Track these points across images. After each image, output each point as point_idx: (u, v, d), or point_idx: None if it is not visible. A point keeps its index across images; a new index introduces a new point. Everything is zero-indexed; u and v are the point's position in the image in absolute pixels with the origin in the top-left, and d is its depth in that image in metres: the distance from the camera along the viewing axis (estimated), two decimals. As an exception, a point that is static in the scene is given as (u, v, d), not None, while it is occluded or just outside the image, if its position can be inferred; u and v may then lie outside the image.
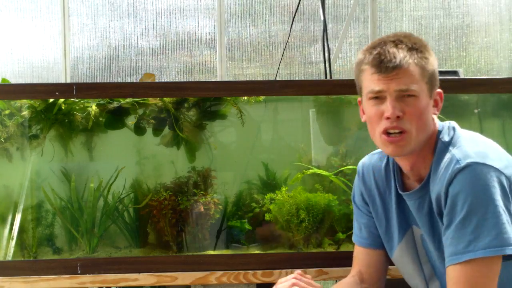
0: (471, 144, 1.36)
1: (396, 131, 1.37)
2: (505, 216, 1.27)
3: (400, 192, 1.50)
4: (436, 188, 1.37)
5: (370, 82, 1.39)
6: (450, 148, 1.38)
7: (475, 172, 1.29)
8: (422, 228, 1.47)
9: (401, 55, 1.35)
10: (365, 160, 1.66)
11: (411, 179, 1.48)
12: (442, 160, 1.37)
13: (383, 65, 1.36)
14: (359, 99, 1.49)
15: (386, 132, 1.38)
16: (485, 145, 1.39)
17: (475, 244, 1.27)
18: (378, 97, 1.38)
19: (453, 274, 1.30)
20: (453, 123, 1.47)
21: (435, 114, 1.43)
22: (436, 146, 1.41)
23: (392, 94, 1.36)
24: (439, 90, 1.43)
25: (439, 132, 1.43)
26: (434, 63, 1.41)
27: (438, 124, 1.46)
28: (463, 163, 1.31)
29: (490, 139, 1.45)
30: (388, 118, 1.36)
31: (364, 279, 1.61)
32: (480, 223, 1.27)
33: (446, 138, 1.41)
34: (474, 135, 1.43)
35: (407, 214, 1.51)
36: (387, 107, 1.36)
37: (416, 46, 1.38)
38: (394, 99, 1.36)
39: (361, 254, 1.64)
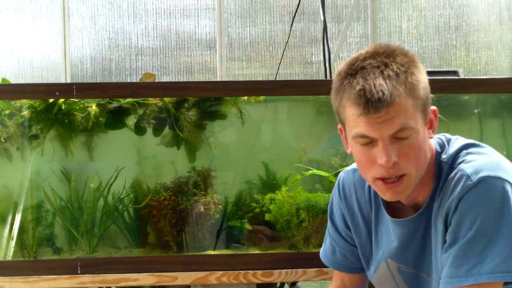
0: (479, 156, 1.21)
1: (394, 178, 1.18)
2: None
3: (391, 218, 1.32)
4: (444, 208, 1.22)
5: (355, 123, 1.16)
6: (455, 165, 1.22)
7: (489, 188, 1.14)
8: (405, 259, 1.32)
9: (389, 87, 1.12)
10: (345, 176, 1.45)
11: (405, 206, 1.32)
12: (448, 179, 1.22)
13: (370, 105, 1.12)
14: (339, 126, 1.28)
15: (381, 178, 1.19)
16: (494, 153, 1.24)
17: (480, 268, 1.13)
18: (367, 141, 1.18)
19: None
20: (447, 136, 1.31)
21: (430, 138, 1.24)
22: (439, 169, 1.25)
23: (385, 139, 1.15)
24: (432, 107, 1.23)
25: (438, 153, 1.27)
26: (425, 81, 1.19)
27: (433, 143, 1.29)
28: (475, 178, 1.16)
29: (490, 139, 1.39)
30: (382, 165, 1.16)
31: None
32: (488, 244, 1.13)
33: (447, 158, 1.25)
34: (479, 144, 1.27)
35: (383, 245, 1.36)
36: (380, 154, 1.16)
37: (404, 68, 1.15)
38: (387, 143, 1.15)
39: (337, 273, 1.50)
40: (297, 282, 2.39)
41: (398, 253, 1.33)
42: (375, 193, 1.34)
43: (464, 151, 1.24)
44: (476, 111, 2.13)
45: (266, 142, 2.24)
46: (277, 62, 3.53)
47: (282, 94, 1.96)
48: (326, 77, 2.59)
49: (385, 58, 1.17)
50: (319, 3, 2.66)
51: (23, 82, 3.66)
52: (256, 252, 2.00)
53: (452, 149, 1.26)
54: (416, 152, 1.17)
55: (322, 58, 2.68)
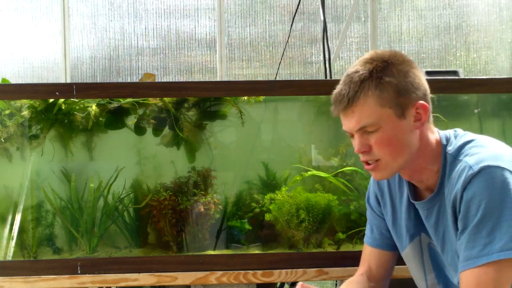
0: (482, 149, 1.34)
1: (370, 162, 1.40)
2: None
3: (412, 200, 1.50)
4: (452, 197, 1.36)
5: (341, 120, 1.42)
6: (460, 157, 1.36)
7: (490, 175, 1.27)
8: (432, 237, 1.47)
9: (351, 92, 1.35)
10: None
11: (422, 189, 1.49)
12: (454, 170, 1.36)
13: (338, 106, 1.38)
14: None
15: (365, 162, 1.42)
16: (497, 146, 1.37)
17: (490, 248, 1.25)
18: (350, 135, 1.42)
19: (465, 278, 1.28)
20: (458, 131, 1.45)
21: (418, 128, 1.39)
22: (445, 158, 1.40)
23: (355, 133, 1.39)
24: (421, 102, 1.37)
25: (444, 145, 1.42)
26: (401, 83, 1.35)
27: (440, 134, 1.44)
28: (476, 168, 1.29)
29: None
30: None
31: (373, 277, 1.62)
32: (495, 226, 1.25)
33: (453, 149, 1.40)
34: (484, 139, 1.40)
35: (416, 222, 1.52)
36: (354, 144, 1.40)
37: (373, 73, 1.35)
38: (358, 135, 1.38)
39: (371, 254, 1.65)
40: (297, 282, 2.39)
41: (427, 229, 1.49)
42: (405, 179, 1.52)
43: (469, 145, 1.38)
44: (476, 111, 2.13)
45: (266, 142, 2.24)
46: (277, 62, 3.53)
47: (282, 94, 1.96)
48: (326, 77, 2.59)
49: (360, 66, 1.38)
50: (319, 3, 2.66)
51: (23, 82, 3.66)
52: (256, 252, 2.01)
53: (458, 142, 1.40)
54: (385, 142, 1.36)
55: (322, 58, 2.68)
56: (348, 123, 1.39)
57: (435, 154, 1.42)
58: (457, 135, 1.44)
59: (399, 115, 1.36)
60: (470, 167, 1.30)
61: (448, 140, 1.43)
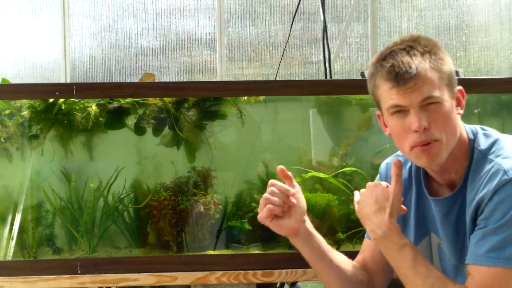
0: None
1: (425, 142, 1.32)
2: None
3: (429, 197, 1.46)
4: (479, 196, 1.32)
5: (388, 97, 1.33)
6: (491, 157, 1.34)
7: None
8: (444, 236, 1.44)
9: (416, 62, 1.30)
10: (389, 161, 1.61)
11: (442, 185, 1.44)
12: (483, 169, 1.33)
13: (399, 77, 1.30)
14: (378, 112, 1.45)
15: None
16: None
17: (498, 253, 1.25)
18: (401, 110, 1.33)
19: (472, 272, 1.29)
20: (485, 128, 1.43)
21: (459, 114, 1.37)
22: (472, 153, 1.37)
23: (415, 106, 1.31)
24: (459, 87, 1.38)
25: (471, 140, 1.39)
26: (449, 62, 1.36)
27: (465, 127, 1.42)
28: (511, 175, 1.26)
29: None
30: (415, 131, 1.31)
31: (367, 267, 1.58)
32: None
33: (482, 146, 1.37)
34: (509, 139, 1.38)
35: (427, 221, 1.49)
36: (412, 120, 1.31)
37: (428, 49, 1.33)
38: (418, 110, 1.30)
39: (369, 247, 1.60)
40: (297, 282, 2.39)
41: (439, 229, 1.45)
42: (417, 173, 1.49)
43: (500, 145, 1.35)
44: (476, 111, 2.13)
45: (266, 142, 2.24)
46: (277, 62, 3.53)
47: (282, 94, 1.96)
48: (326, 77, 2.59)
49: (410, 43, 1.34)
50: (319, 3, 2.66)
51: (23, 82, 3.66)
52: (256, 252, 2.01)
53: (488, 140, 1.38)
54: (444, 119, 1.31)
55: (322, 58, 2.68)
56: (409, 96, 1.30)
57: (465, 147, 1.39)
58: (486, 132, 1.41)
59: (451, 96, 1.34)
60: (505, 172, 1.27)
61: (475, 135, 1.40)
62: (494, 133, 1.40)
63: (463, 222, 1.38)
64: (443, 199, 1.42)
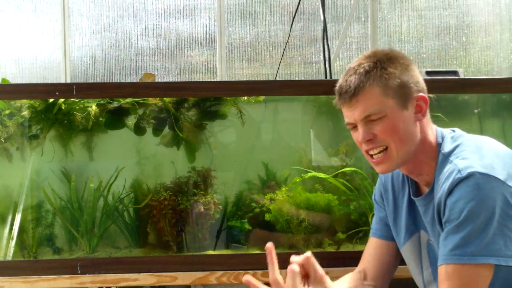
0: (474, 154, 1.35)
1: (376, 151, 1.41)
2: (499, 228, 1.27)
3: (412, 197, 1.52)
4: (438, 197, 1.38)
5: (344, 114, 1.44)
6: (451, 158, 1.38)
7: (477, 182, 1.29)
8: (431, 233, 1.48)
9: (356, 82, 1.38)
10: None
11: (422, 185, 1.50)
12: (443, 171, 1.38)
13: (342, 96, 1.41)
14: None
15: (369, 154, 1.43)
16: (491, 153, 1.36)
17: (462, 250, 1.28)
18: (354, 126, 1.43)
19: (441, 272, 1.32)
20: (456, 131, 1.47)
21: (419, 120, 1.42)
22: (438, 157, 1.42)
23: (359, 122, 1.40)
24: (421, 94, 1.42)
25: (439, 144, 1.44)
26: (403, 75, 1.40)
27: (437, 131, 1.46)
28: (464, 173, 1.30)
29: (494, 139, 1.44)
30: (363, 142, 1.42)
31: (368, 275, 1.62)
32: (473, 231, 1.27)
33: (446, 149, 1.42)
34: (481, 143, 1.41)
35: (417, 219, 1.53)
36: (359, 134, 1.41)
37: (377, 64, 1.39)
38: (362, 124, 1.40)
39: (371, 248, 1.66)
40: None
41: (427, 226, 1.50)
42: (407, 176, 1.55)
43: (462, 147, 1.39)
44: (476, 111, 2.13)
45: (266, 142, 2.24)
46: (277, 62, 3.53)
47: (281, 94, 1.96)
48: (326, 77, 2.59)
49: (363, 60, 1.42)
50: (319, 3, 2.67)
51: (23, 82, 3.66)
52: (256, 252, 2.01)
53: (453, 143, 1.42)
54: (390, 130, 1.39)
55: (322, 58, 2.68)
56: (353, 114, 1.40)
57: (433, 151, 1.44)
58: (454, 135, 1.45)
59: (401, 106, 1.39)
60: (459, 171, 1.31)
61: (443, 138, 1.45)
62: (462, 136, 1.44)
63: (438, 220, 1.42)
64: (420, 199, 1.48)
